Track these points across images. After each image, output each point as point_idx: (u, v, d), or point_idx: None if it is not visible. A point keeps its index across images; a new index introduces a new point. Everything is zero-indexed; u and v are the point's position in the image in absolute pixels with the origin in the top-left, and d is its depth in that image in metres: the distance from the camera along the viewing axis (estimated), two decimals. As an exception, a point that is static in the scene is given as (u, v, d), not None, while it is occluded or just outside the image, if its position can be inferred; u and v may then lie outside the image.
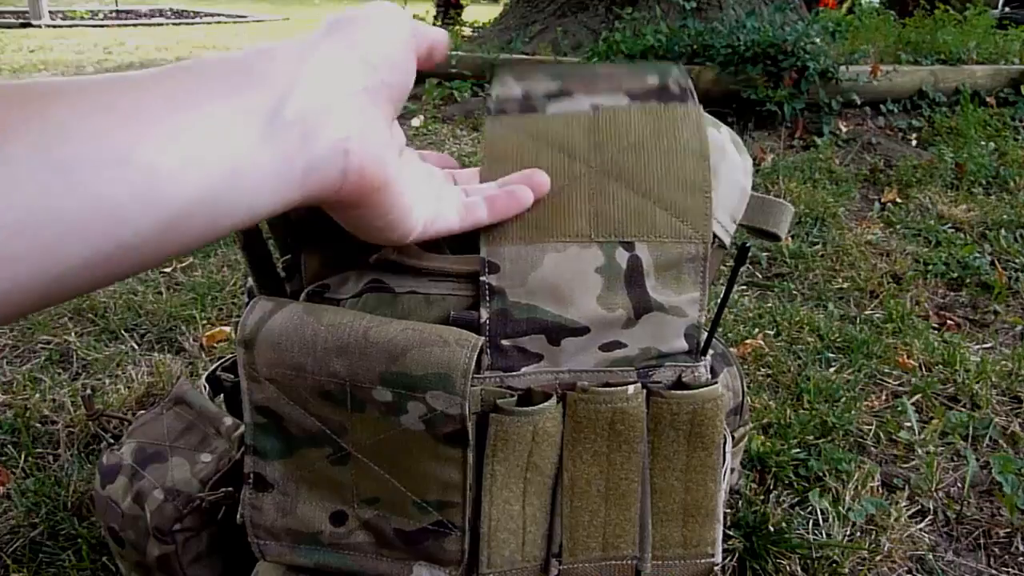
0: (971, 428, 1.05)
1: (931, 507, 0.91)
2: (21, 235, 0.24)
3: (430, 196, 0.43)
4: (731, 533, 0.83)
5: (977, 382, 1.16)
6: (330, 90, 0.34)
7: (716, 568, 0.46)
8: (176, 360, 1.18)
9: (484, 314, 0.45)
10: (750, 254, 0.83)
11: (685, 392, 0.46)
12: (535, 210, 0.45)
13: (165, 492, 0.58)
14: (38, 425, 1.02)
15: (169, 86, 0.30)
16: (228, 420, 0.63)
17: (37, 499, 0.87)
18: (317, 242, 0.54)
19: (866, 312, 1.41)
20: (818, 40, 2.53)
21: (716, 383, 0.47)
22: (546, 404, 0.45)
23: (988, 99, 2.74)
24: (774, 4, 3.15)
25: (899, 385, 1.17)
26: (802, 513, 0.88)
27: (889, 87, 2.65)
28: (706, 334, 0.60)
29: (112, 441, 0.98)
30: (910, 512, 0.90)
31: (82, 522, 0.83)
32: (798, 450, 0.98)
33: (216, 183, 0.29)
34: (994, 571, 0.83)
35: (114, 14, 7.39)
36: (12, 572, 0.78)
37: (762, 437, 1.00)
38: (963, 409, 1.11)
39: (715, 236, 0.54)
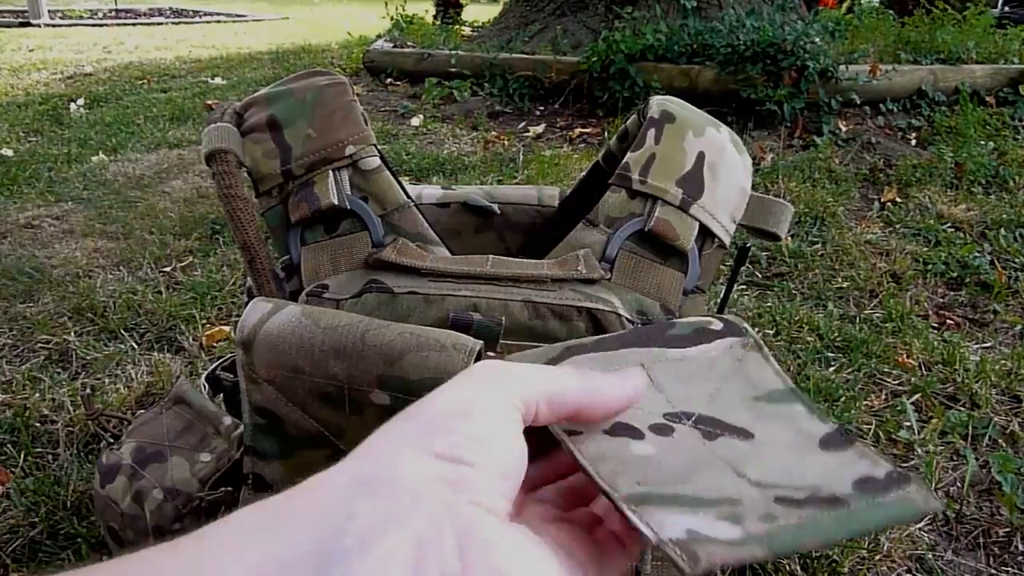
0: (970, 427, 1.05)
1: (930, 506, 0.91)
2: None
3: None
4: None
5: (976, 381, 1.16)
6: None
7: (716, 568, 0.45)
8: (176, 360, 1.18)
9: None
10: (750, 254, 0.83)
11: None
12: None
13: (164, 492, 0.58)
14: (37, 424, 1.02)
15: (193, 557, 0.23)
16: (227, 420, 0.63)
17: (36, 498, 0.87)
18: (316, 242, 0.54)
19: (866, 311, 1.41)
20: (818, 39, 2.53)
21: None
22: None
23: (988, 98, 2.74)
24: (774, 3, 3.15)
25: (899, 384, 1.17)
26: (801, 513, 0.88)
27: (889, 86, 2.65)
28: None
29: (111, 441, 0.98)
30: (909, 511, 0.90)
31: (81, 521, 0.83)
32: (797, 449, 0.98)
33: None
34: (993, 570, 0.83)
35: (113, 13, 7.39)
36: (11, 571, 0.78)
37: (761, 437, 1.00)
38: (962, 408, 1.11)
39: (715, 236, 0.54)
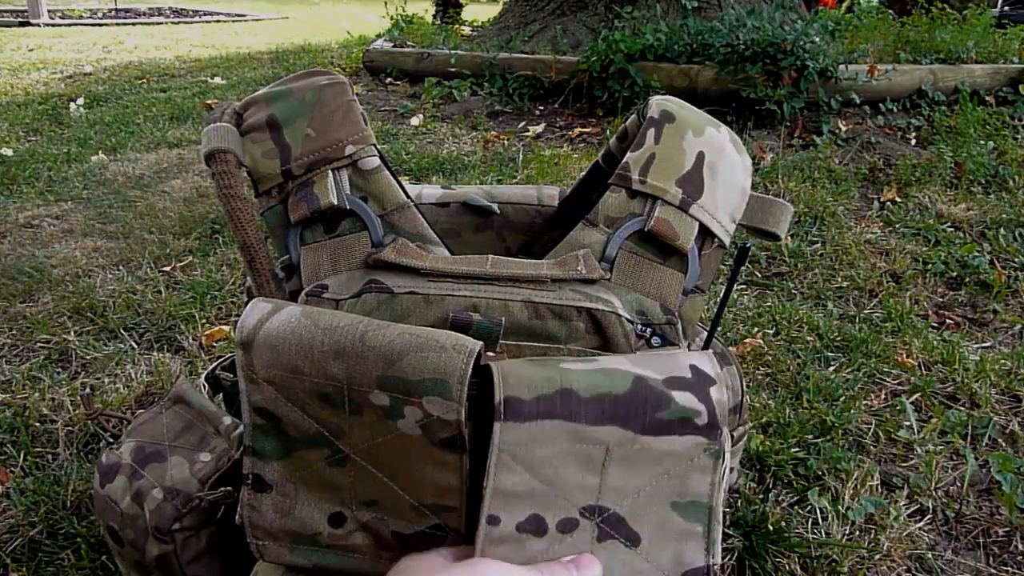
0: (970, 427, 1.05)
1: (930, 506, 0.91)
2: None
3: None
4: (730, 532, 0.83)
5: (976, 381, 1.16)
6: None
7: (715, 568, 0.46)
8: (175, 359, 1.18)
9: None
10: (750, 253, 0.83)
11: None
12: None
13: (164, 491, 0.58)
14: (37, 424, 1.02)
15: None
16: (227, 419, 0.63)
17: (36, 498, 0.87)
18: (316, 242, 0.54)
19: (865, 311, 1.41)
20: (817, 39, 2.53)
21: None
22: None
23: (987, 98, 2.74)
24: (774, 3, 3.15)
25: (898, 384, 1.17)
26: (801, 512, 0.88)
27: (888, 86, 2.65)
28: (706, 333, 0.60)
29: (111, 440, 0.98)
30: (909, 511, 0.90)
31: (81, 521, 0.83)
32: (797, 449, 0.98)
33: None
34: (993, 570, 0.83)
35: (113, 13, 7.38)
36: (11, 571, 0.78)
37: (761, 436, 1.00)
38: (962, 408, 1.11)
39: (715, 236, 0.54)
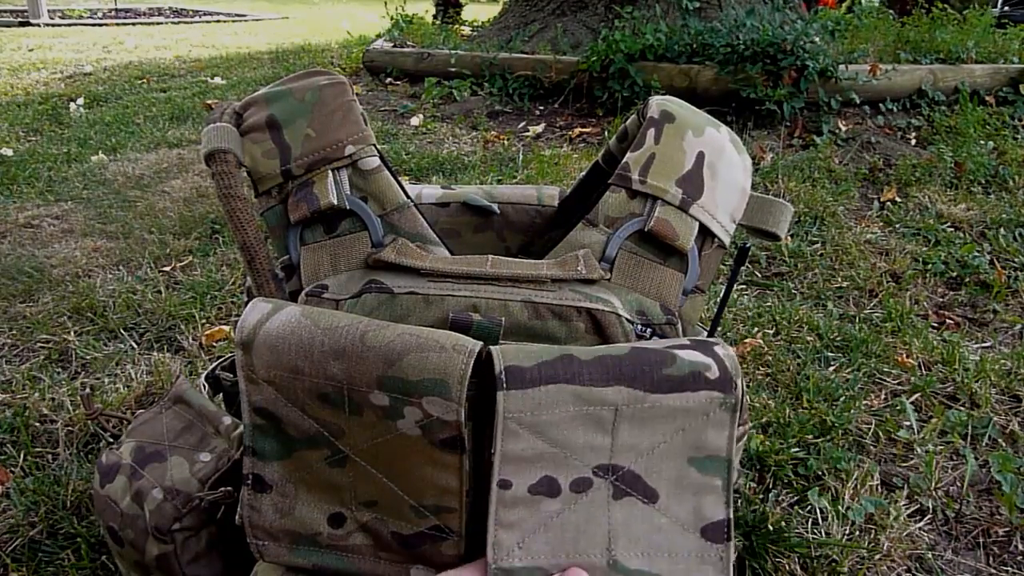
0: (970, 427, 1.05)
1: (930, 506, 0.91)
2: None
3: None
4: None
5: (976, 381, 1.16)
6: None
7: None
8: (175, 359, 1.18)
9: None
10: (750, 253, 0.83)
11: None
12: None
13: (164, 491, 0.58)
14: (37, 424, 1.02)
15: None
16: (227, 419, 0.63)
17: (36, 498, 0.87)
18: (316, 242, 0.54)
19: (865, 311, 1.41)
20: (817, 39, 2.53)
21: None
22: None
23: (987, 98, 2.74)
24: (773, 3, 3.15)
25: (898, 384, 1.17)
26: (801, 512, 0.88)
27: (888, 86, 2.65)
28: (706, 333, 0.60)
29: (111, 440, 0.98)
30: (909, 511, 0.90)
31: (81, 521, 0.83)
32: (797, 449, 0.98)
33: None
34: (993, 570, 0.83)
35: (113, 13, 7.38)
36: (11, 571, 0.78)
37: (761, 436, 1.00)
38: (962, 408, 1.11)
39: (715, 236, 0.54)
